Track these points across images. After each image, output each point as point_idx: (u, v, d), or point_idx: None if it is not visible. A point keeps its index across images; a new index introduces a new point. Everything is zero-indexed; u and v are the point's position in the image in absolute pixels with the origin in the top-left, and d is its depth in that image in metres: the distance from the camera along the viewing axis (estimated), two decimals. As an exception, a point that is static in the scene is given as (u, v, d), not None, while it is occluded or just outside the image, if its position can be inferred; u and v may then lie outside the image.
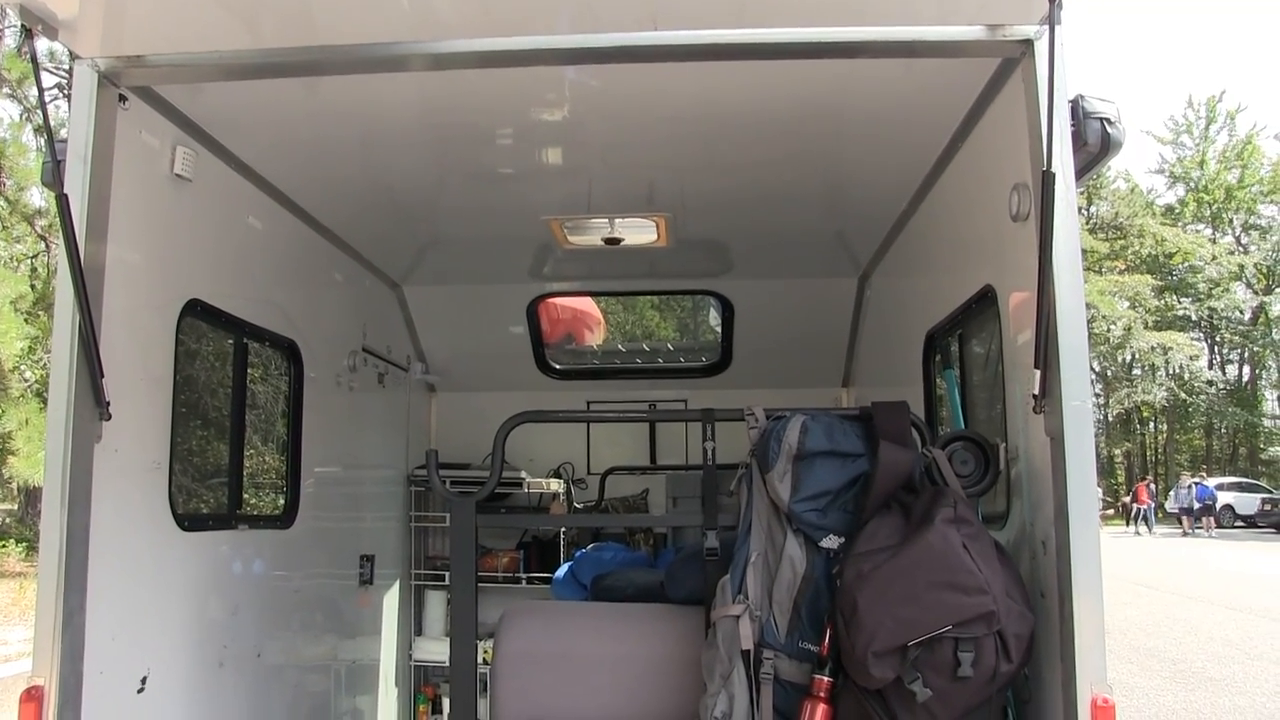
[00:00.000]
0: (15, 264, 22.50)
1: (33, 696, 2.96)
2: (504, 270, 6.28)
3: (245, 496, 4.45)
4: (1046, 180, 2.83)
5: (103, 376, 3.14)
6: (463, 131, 4.11)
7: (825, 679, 2.97)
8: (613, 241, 5.51)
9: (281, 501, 4.80)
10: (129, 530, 3.43)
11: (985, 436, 3.38)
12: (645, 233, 5.44)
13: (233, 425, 4.35)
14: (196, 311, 3.91)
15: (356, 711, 5.74)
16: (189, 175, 3.74)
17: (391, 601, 6.38)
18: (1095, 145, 3.09)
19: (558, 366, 7.16)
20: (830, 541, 3.13)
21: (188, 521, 3.80)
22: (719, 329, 7.07)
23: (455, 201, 5.02)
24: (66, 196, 3.09)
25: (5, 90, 20.04)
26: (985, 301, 3.68)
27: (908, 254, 5.09)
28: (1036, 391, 2.96)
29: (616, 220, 5.27)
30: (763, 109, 3.82)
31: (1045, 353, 2.92)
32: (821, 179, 4.66)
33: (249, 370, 4.46)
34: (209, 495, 4.38)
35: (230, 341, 4.33)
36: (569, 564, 5.21)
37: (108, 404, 3.18)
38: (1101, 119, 3.09)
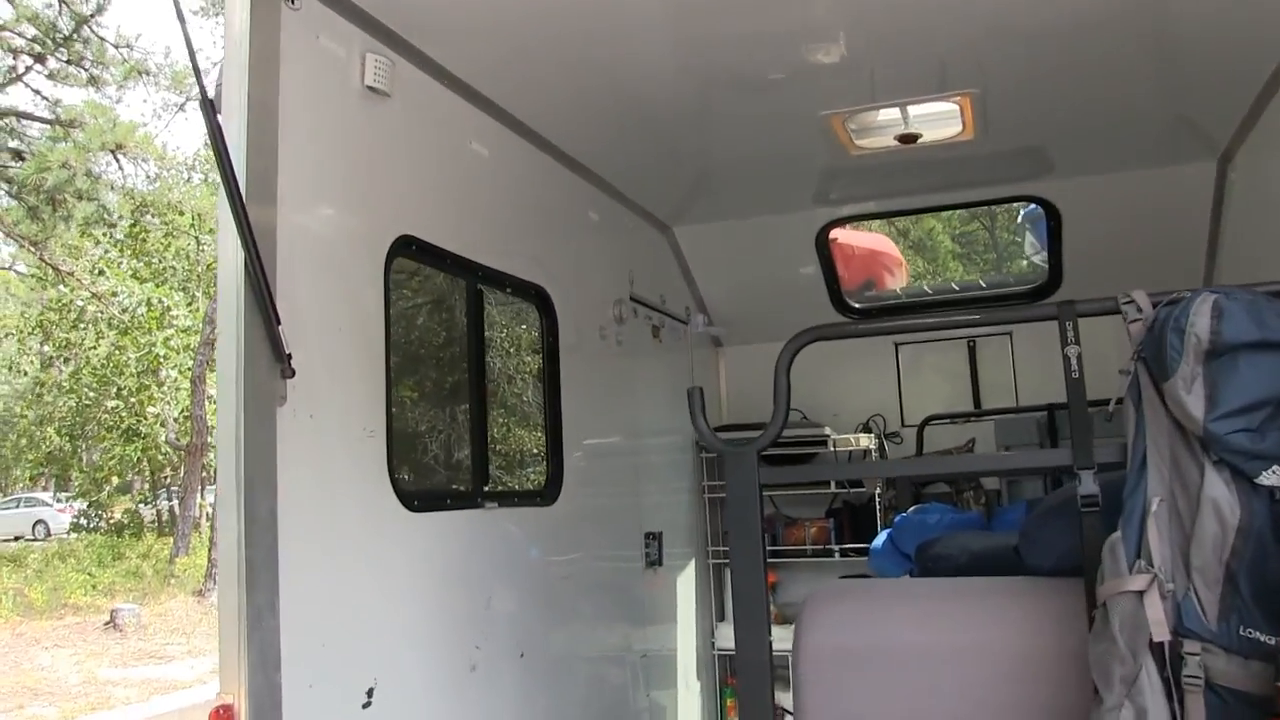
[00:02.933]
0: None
1: (222, 717, 2.43)
2: (786, 195, 5.53)
3: (492, 470, 3.82)
4: None
5: (279, 324, 2.56)
6: (716, 24, 3.41)
7: (1293, 686, 1.99)
8: (909, 139, 4.64)
9: (542, 475, 4.16)
10: (338, 512, 2.89)
11: None
12: (947, 124, 4.52)
13: (472, 386, 3.76)
14: (410, 250, 3.33)
15: (656, 708, 5.12)
16: (385, 89, 3.18)
17: (687, 584, 5.77)
18: None
19: (858, 306, 6.24)
20: (1274, 476, 2.25)
21: (417, 500, 3.22)
22: (1039, 260, 6.12)
23: (721, 112, 4.33)
24: (217, 111, 2.54)
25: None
26: None
27: None
28: None
29: (910, 108, 4.32)
30: None
31: None
32: (1157, 31, 3.61)
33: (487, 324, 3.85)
34: (445, 469, 3.79)
35: (463, 287, 3.73)
36: (887, 531, 4.47)
37: (289, 356, 2.61)
38: None
